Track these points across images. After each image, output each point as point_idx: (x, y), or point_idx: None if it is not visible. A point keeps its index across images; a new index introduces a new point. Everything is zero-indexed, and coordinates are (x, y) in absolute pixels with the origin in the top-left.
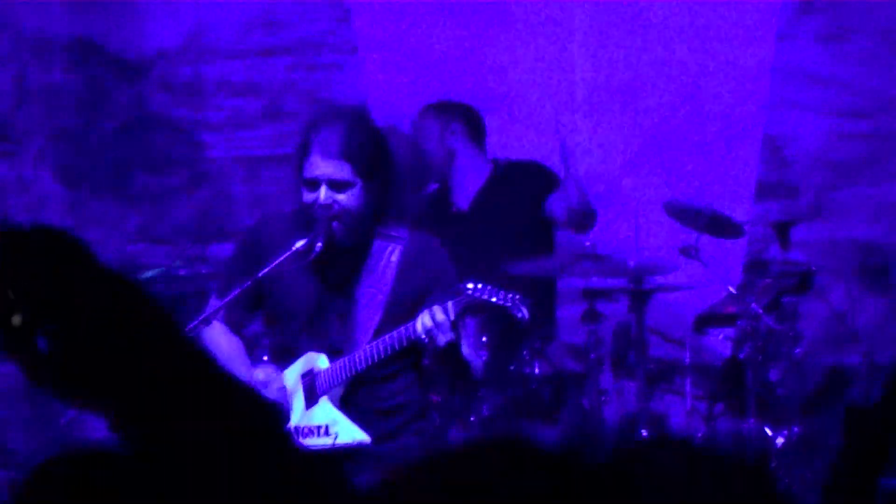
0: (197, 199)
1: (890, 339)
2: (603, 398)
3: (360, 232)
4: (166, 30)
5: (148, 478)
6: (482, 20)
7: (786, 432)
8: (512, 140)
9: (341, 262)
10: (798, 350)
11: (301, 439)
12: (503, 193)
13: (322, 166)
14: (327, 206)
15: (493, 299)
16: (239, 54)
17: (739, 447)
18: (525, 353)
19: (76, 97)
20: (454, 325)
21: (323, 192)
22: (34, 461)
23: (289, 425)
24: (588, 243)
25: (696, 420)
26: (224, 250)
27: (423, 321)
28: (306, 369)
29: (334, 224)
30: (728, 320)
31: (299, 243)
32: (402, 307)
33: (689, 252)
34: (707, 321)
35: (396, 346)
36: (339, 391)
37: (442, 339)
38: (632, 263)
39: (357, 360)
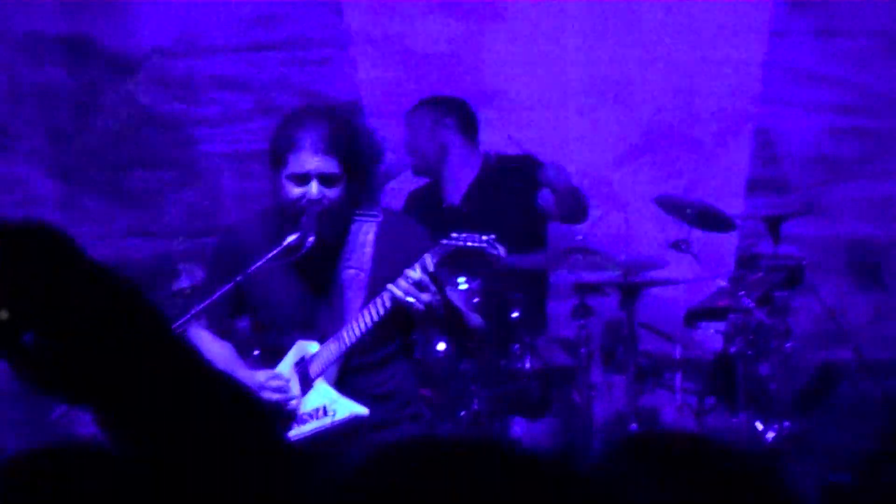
0: (189, 195)
1: (880, 336)
2: (593, 393)
3: (343, 223)
4: (158, 26)
5: (129, 476)
6: (475, 15)
7: (776, 427)
8: (503, 135)
9: (323, 251)
10: (789, 345)
11: (301, 427)
12: (495, 188)
13: (312, 161)
14: (318, 201)
15: (469, 244)
16: (231, 49)
17: (732, 442)
18: (516, 347)
19: (69, 94)
20: (435, 279)
21: (314, 186)
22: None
23: (293, 414)
24: (579, 237)
25: (686, 415)
26: None
27: (400, 283)
28: (298, 358)
29: (323, 218)
30: (719, 314)
31: (290, 238)
32: (385, 282)
33: (680, 246)
34: (698, 315)
35: (381, 312)
36: (332, 373)
37: (426, 296)
38: (623, 258)
39: (345, 336)
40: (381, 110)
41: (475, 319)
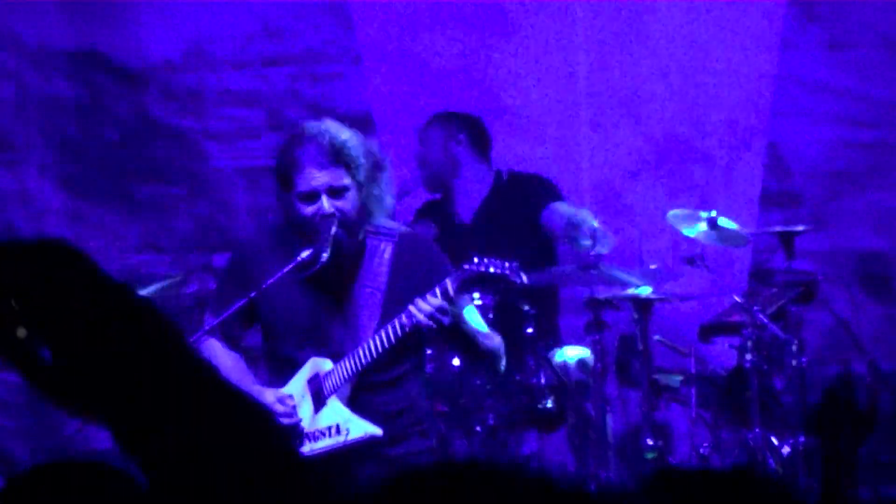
0: (199, 209)
1: (894, 348)
2: (608, 407)
3: (356, 234)
4: (168, 39)
5: (141, 493)
6: (485, 30)
7: (791, 441)
8: (514, 151)
9: (337, 267)
10: (803, 359)
11: (313, 444)
12: (506, 205)
13: (319, 176)
14: (331, 215)
15: (491, 269)
16: (241, 64)
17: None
18: (530, 362)
19: (78, 107)
20: (454, 303)
21: (325, 201)
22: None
23: (300, 437)
24: (592, 253)
25: (700, 429)
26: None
27: (420, 306)
28: (312, 374)
29: (338, 232)
30: (733, 329)
31: (304, 254)
32: (400, 302)
33: (693, 261)
34: (712, 330)
35: (399, 333)
36: (345, 391)
37: (445, 320)
38: (637, 272)
39: (361, 355)
40: (392, 125)
41: (492, 338)
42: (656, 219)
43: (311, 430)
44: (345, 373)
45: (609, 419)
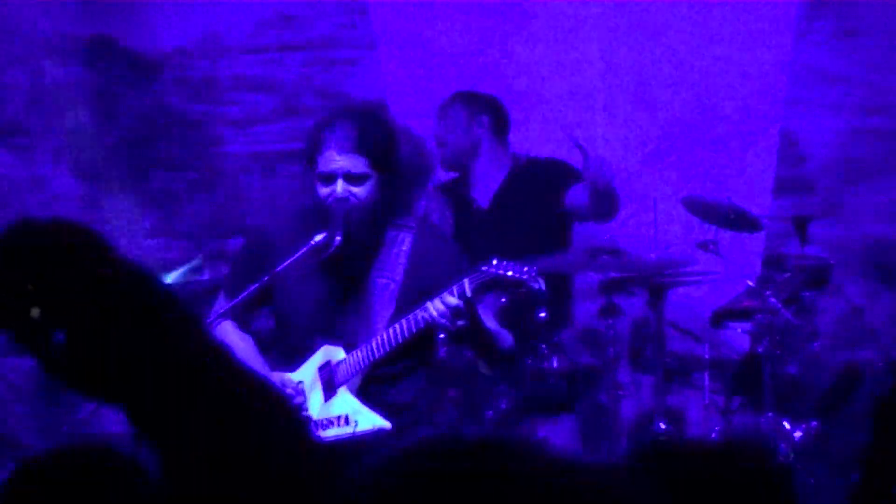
0: (213, 195)
1: None
2: (620, 392)
3: (374, 224)
4: (182, 26)
5: (153, 477)
6: (499, 16)
7: (804, 426)
8: (528, 137)
9: (353, 255)
10: (816, 345)
11: (321, 431)
12: (524, 190)
13: (338, 160)
14: (344, 199)
15: (509, 273)
16: (255, 50)
17: (758, 442)
18: (542, 347)
19: (92, 94)
20: (470, 304)
21: (340, 185)
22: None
23: (317, 427)
24: (606, 237)
25: (713, 414)
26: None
27: (436, 305)
28: (323, 362)
29: (351, 216)
30: (746, 315)
31: (318, 237)
32: (415, 296)
33: (707, 247)
34: (725, 315)
35: (413, 329)
36: (356, 381)
37: (461, 321)
38: (650, 258)
39: (374, 347)
40: (407, 110)
41: (506, 340)
42: (670, 205)
43: (320, 418)
44: (357, 364)
45: (621, 404)
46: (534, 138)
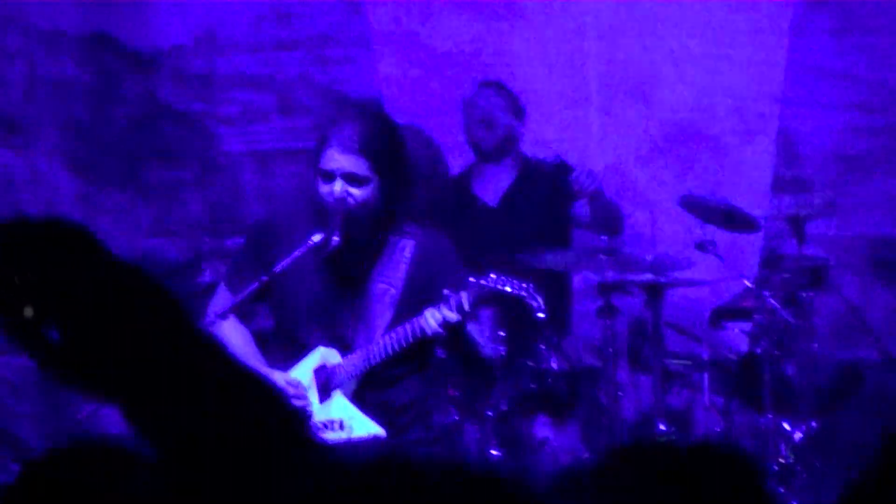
0: (209, 193)
1: None
2: (619, 393)
3: (373, 227)
4: (179, 23)
5: (154, 476)
6: (495, 14)
7: (803, 426)
8: (524, 135)
9: (354, 257)
10: (814, 344)
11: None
12: (533, 192)
13: (339, 160)
14: (341, 200)
15: (507, 289)
16: (252, 48)
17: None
18: (541, 347)
19: (88, 90)
20: (466, 317)
21: (338, 185)
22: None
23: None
24: (604, 237)
25: (712, 415)
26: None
27: (434, 316)
28: (319, 364)
29: (349, 218)
30: (744, 315)
31: (316, 237)
32: (414, 303)
33: (705, 246)
34: (723, 315)
35: (410, 339)
36: (351, 386)
37: (455, 331)
38: (648, 258)
39: (371, 353)
40: (403, 109)
41: (493, 358)
42: (667, 204)
43: (317, 420)
44: (353, 368)
45: (621, 405)
46: (529, 138)
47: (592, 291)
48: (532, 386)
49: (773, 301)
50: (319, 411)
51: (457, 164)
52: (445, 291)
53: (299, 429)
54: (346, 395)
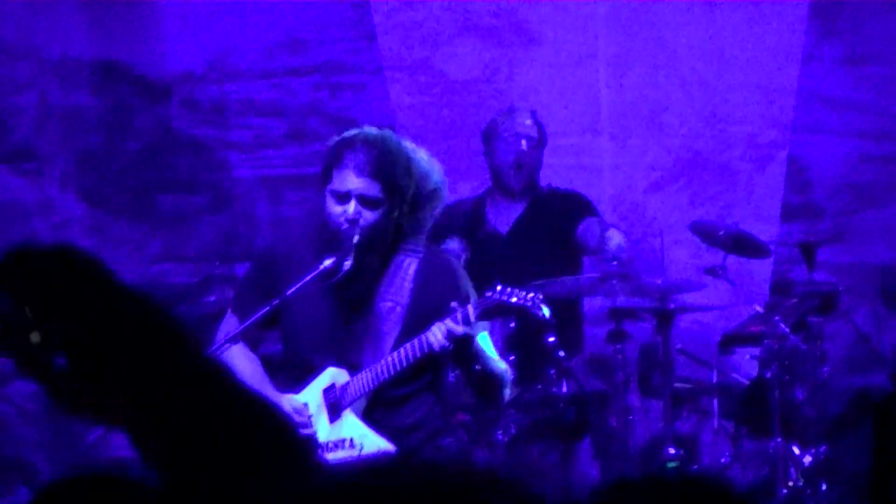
0: (221, 219)
1: None
2: (630, 417)
3: (382, 249)
4: (190, 50)
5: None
6: (507, 41)
7: (813, 451)
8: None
9: (360, 278)
10: (824, 370)
11: (326, 454)
12: (544, 220)
13: (355, 182)
14: (354, 221)
15: (513, 300)
16: (263, 74)
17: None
18: (552, 372)
19: (100, 118)
20: (474, 330)
21: (352, 206)
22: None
23: (321, 450)
24: (615, 263)
25: (722, 440)
26: None
27: (441, 329)
28: (329, 384)
29: (358, 240)
30: (754, 340)
31: (327, 262)
32: (421, 319)
33: (715, 272)
34: (733, 341)
35: (418, 354)
36: (361, 404)
37: (463, 345)
38: (658, 283)
39: (380, 370)
40: (414, 136)
41: (499, 367)
42: (678, 230)
43: (325, 441)
44: (362, 387)
45: (631, 430)
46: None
47: (604, 316)
48: (542, 410)
49: (783, 326)
50: (330, 431)
51: (465, 189)
52: (453, 304)
53: (305, 456)
54: (356, 413)
